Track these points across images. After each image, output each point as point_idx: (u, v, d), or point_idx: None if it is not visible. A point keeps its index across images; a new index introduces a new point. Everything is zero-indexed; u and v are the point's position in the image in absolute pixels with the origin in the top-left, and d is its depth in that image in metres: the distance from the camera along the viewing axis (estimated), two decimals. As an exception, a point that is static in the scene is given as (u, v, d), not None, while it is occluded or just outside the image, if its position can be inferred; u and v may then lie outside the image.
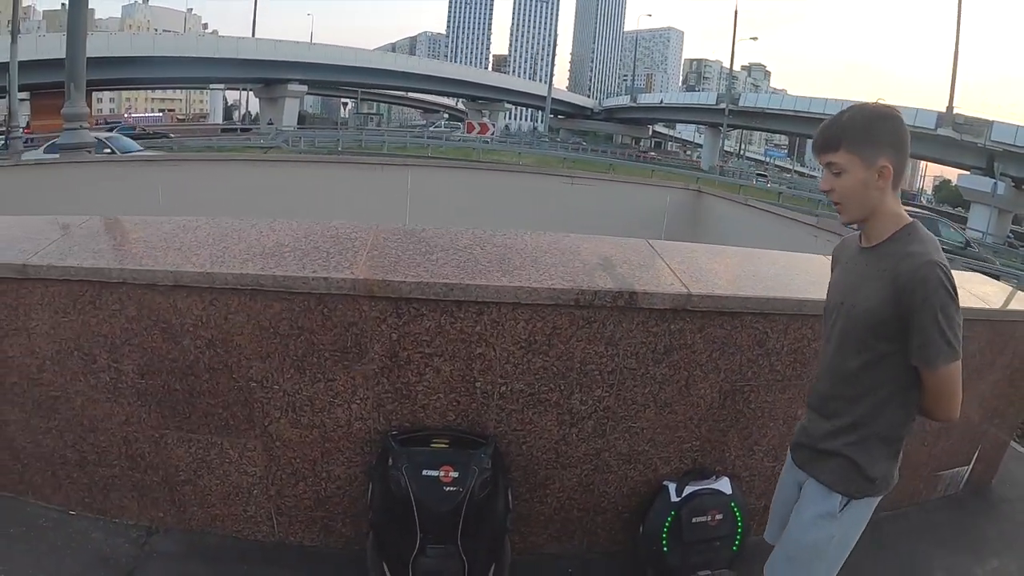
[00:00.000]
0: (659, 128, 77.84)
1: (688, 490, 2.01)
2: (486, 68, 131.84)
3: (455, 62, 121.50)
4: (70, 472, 2.24)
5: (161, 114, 71.88)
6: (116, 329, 1.99)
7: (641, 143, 69.93)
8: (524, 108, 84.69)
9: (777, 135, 75.63)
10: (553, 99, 56.15)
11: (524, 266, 1.93)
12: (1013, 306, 2.66)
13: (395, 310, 1.82)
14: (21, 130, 19.21)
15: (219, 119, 63.55)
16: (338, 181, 8.07)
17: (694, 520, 1.97)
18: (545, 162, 25.87)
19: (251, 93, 49.30)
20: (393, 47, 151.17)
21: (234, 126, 44.04)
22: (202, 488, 2.15)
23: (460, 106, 64.58)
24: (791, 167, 67.30)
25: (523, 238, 2.17)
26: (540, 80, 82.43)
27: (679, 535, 1.97)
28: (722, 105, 42.73)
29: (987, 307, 2.45)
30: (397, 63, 50.89)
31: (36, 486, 2.30)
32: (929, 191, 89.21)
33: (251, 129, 38.37)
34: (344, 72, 44.25)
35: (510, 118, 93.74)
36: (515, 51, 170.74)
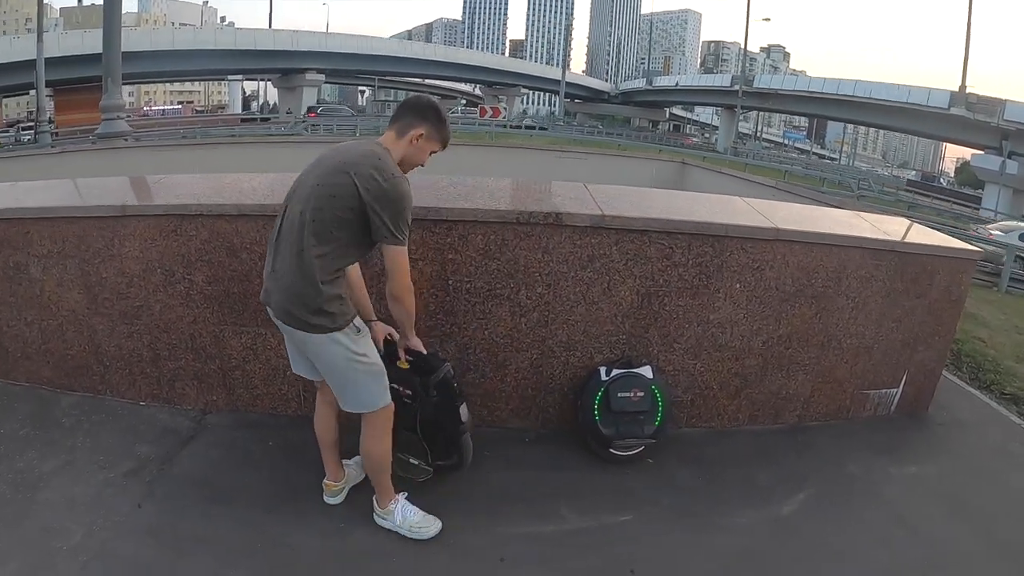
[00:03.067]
0: (676, 111, 77.54)
1: (615, 372, 2.63)
2: (503, 54, 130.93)
3: (471, 48, 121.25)
4: (144, 368, 2.92)
5: (180, 106, 73.02)
6: (192, 250, 2.68)
7: (659, 126, 69.74)
8: (541, 93, 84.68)
9: (797, 117, 74.80)
10: (569, 83, 56.15)
11: (483, 197, 2.58)
12: (921, 240, 3.11)
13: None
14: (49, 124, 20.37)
15: (238, 109, 64.43)
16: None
17: (619, 395, 2.58)
18: (556, 143, 26.51)
19: (269, 83, 50.19)
20: (409, 34, 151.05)
21: (254, 116, 44.88)
22: (249, 372, 2.83)
23: (477, 92, 64.90)
24: (809, 149, 66.52)
25: (487, 181, 2.84)
26: (557, 65, 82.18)
27: (608, 406, 2.57)
28: (736, 87, 42.67)
29: (890, 239, 2.94)
30: (413, 50, 51.16)
31: (114, 384, 2.99)
32: (952, 173, 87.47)
33: (270, 119, 39.15)
34: (361, 60, 44.83)
35: (528, 103, 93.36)
36: (531, 36, 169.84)
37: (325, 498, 2.29)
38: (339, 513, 2.28)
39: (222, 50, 36.73)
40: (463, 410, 2.27)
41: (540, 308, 2.62)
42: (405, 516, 2.15)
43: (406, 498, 2.19)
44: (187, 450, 2.65)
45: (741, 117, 49.06)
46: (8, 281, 2.94)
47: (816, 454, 2.84)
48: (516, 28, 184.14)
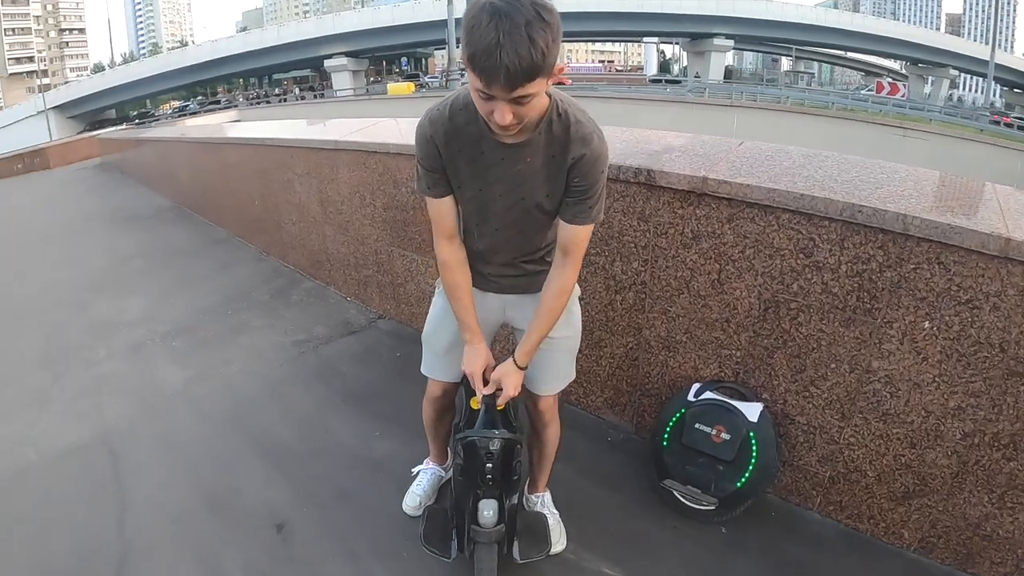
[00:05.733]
0: None
1: (705, 395, 1.96)
2: (936, 28, 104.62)
3: (901, 20, 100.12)
4: (349, 271, 3.62)
5: (601, 64, 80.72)
6: (373, 180, 3.14)
7: None
8: (978, 77, 64.67)
9: None
10: (1004, 67, 42.26)
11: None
12: None
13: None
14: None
15: (653, 71, 67.60)
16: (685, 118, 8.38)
17: (696, 426, 1.93)
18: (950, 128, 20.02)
19: (680, 47, 51.18)
20: (835, 3, 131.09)
21: (659, 78, 46.49)
22: (410, 291, 3.20)
23: (903, 70, 54.25)
24: None
25: (615, 130, 2.37)
26: (1002, 46, 61.38)
27: (679, 435, 1.96)
28: None
29: None
30: (828, 19, 45.67)
31: (335, 279, 3.79)
32: None
33: (680, 82, 39.75)
34: (772, 27, 42.11)
35: (964, 88, 73.75)
36: (971, 10, 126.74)
37: None
38: (385, 427, 2.42)
39: (629, 12, 38.99)
40: (485, 508, 1.54)
41: (636, 288, 2.12)
42: (415, 482, 2.00)
43: (430, 470, 2.00)
44: (346, 339, 3.23)
45: None
46: (284, 191, 4.05)
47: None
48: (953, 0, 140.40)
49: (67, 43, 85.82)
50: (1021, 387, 1.53)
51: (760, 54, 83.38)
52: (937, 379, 1.64)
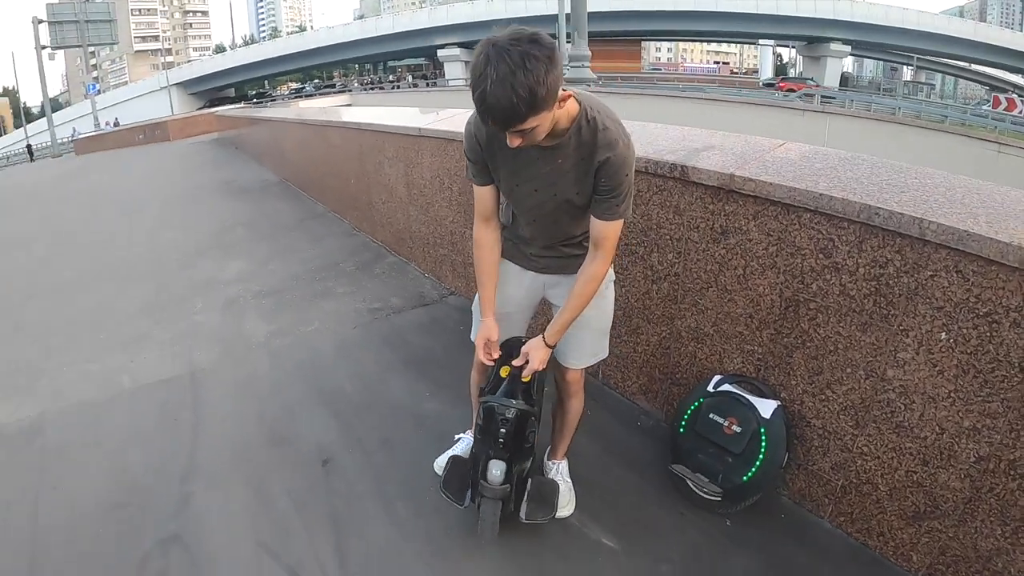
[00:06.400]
0: None
1: (724, 387, 2.05)
2: None
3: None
4: (428, 249, 3.93)
5: (716, 66, 78.03)
6: (451, 165, 3.41)
7: None
8: None
9: None
10: None
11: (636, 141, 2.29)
12: None
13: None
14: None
15: (768, 74, 64.80)
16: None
17: (710, 416, 2.01)
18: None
19: (796, 51, 48.66)
20: (961, 11, 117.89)
21: (773, 82, 44.34)
22: None
23: None
24: None
25: (657, 127, 2.52)
26: None
27: (695, 422, 2.06)
28: None
29: None
30: (951, 27, 41.84)
31: (415, 256, 4.13)
32: None
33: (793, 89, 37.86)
34: (893, 34, 39.46)
35: None
36: None
37: None
38: (436, 390, 2.67)
39: (744, 13, 37.63)
40: (494, 468, 1.69)
41: (670, 279, 2.25)
42: (452, 447, 2.16)
43: (466, 440, 2.15)
44: (416, 310, 3.54)
45: None
46: (376, 173, 4.44)
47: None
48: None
49: (190, 24, 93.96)
50: (1040, 410, 1.48)
51: (880, 62, 77.37)
52: (952, 394, 1.60)
